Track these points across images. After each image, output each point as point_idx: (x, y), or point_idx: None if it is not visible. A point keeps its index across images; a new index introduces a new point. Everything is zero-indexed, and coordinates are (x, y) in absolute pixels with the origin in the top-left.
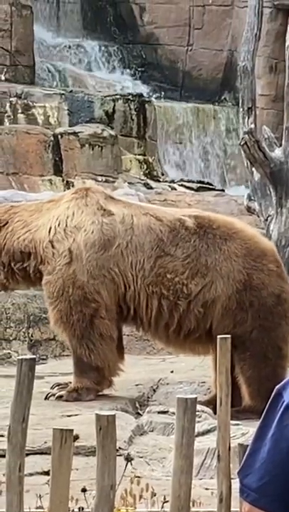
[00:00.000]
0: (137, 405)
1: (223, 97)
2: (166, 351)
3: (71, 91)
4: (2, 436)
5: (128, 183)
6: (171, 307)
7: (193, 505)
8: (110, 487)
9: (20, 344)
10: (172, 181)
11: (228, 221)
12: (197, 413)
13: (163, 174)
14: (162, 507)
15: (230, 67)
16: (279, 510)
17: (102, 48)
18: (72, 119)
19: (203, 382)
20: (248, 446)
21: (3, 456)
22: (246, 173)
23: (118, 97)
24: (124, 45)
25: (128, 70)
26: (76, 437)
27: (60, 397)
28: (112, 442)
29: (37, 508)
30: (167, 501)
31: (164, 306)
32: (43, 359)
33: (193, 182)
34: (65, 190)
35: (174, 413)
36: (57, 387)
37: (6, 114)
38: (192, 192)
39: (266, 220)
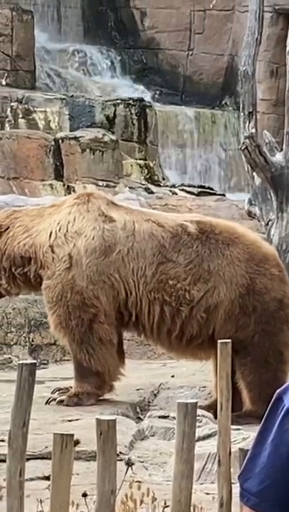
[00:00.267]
0: (138, 410)
1: (223, 102)
2: (167, 356)
3: (72, 96)
4: (3, 441)
5: (129, 187)
6: (174, 313)
7: (193, 510)
8: (111, 492)
9: (21, 349)
10: (173, 186)
11: (229, 226)
12: (198, 418)
13: (164, 179)
14: None
15: (231, 71)
16: None
17: (103, 53)
18: (73, 124)
19: (204, 386)
20: (248, 450)
21: (4, 461)
22: (247, 177)
23: (119, 101)
24: (125, 50)
25: (129, 75)
26: (77, 442)
27: (61, 401)
28: (113, 447)
29: None
30: (168, 506)
31: (166, 313)
32: (44, 364)
33: (194, 187)
34: (65, 195)
35: (174, 418)
36: (58, 392)
37: (7, 119)
38: (193, 196)
39: (267, 224)
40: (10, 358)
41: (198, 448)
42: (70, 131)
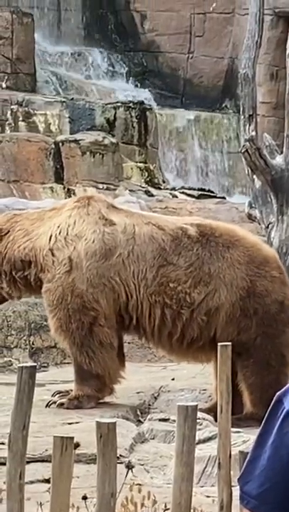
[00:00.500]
0: (138, 413)
1: (224, 105)
2: (167, 359)
3: (72, 99)
4: (3, 443)
5: (129, 190)
6: (175, 316)
7: None
8: (111, 495)
9: (21, 352)
10: (173, 189)
11: (229, 229)
12: (198, 420)
13: (164, 182)
14: None
15: (231, 74)
16: None
17: (103, 56)
18: (73, 127)
19: (205, 389)
20: (248, 453)
21: (4, 463)
22: (247, 180)
23: (119, 104)
24: (125, 53)
25: (129, 78)
26: (77, 445)
27: (61, 404)
28: (113, 450)
29: None
30: (168, 509)
31: (167, 315)
32: (44, 367)
33: (194, 189)
34: (66, 198)
35: (175, 421)
36: (58, 395)
37: (7, 122)
38: (193, 199)
39: (267, 227)
40: (10, 360)
41: (199, 451)
42: (71, 134)
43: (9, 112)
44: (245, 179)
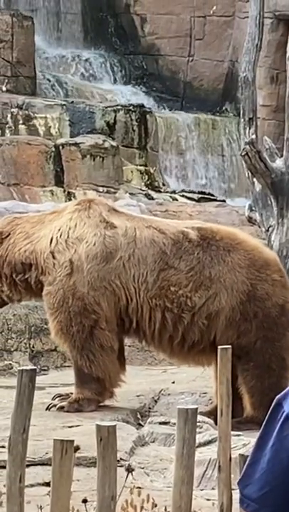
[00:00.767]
0: (139, 416)
1: (224, 108)
2: (167, 362)
3: (72, 102)
4: (3, 447)
5: (129, 193)
6: (175, 320)
7: None
8: (111, 498)
9: (21, 355)
10: (173, 192)
11: (230, 232)
12: (198, 424)
13: (164, 185)
14: None
15: (231, 77)
16: None
17: (103, 59)
18: (73, 130)
19: (205, 392)
20: (248, 456)
21: (4, 467)
22: (247, 183)
23: (119, 107)
24: (125, 56)
25: (129, 81)
26: (77, 448)
27: (62, 408)
28: (113, 453)
29: None
30: None
31: (167, 319)
32: (45, 370)
33: (194, 192)
34: (66, 201)
35: (175, 424)
36: (58, 398)
37: (7, 125)
38: (193, 202)
39: (267, 230)
40: (10, 364)
41: (199, 454)
42: (71, 137)
43: (9, 115)
44: (245, 182)
